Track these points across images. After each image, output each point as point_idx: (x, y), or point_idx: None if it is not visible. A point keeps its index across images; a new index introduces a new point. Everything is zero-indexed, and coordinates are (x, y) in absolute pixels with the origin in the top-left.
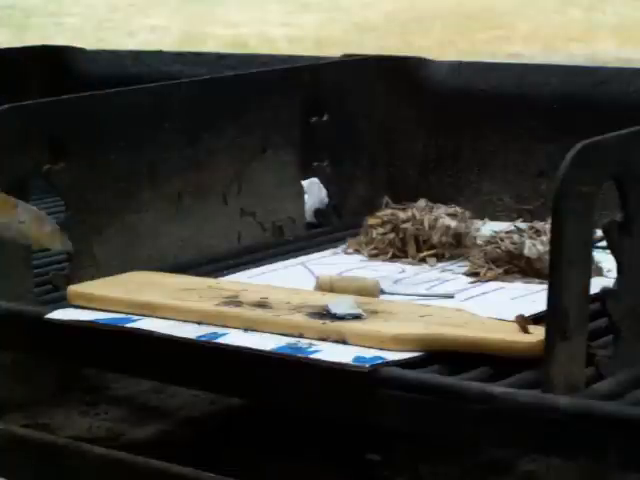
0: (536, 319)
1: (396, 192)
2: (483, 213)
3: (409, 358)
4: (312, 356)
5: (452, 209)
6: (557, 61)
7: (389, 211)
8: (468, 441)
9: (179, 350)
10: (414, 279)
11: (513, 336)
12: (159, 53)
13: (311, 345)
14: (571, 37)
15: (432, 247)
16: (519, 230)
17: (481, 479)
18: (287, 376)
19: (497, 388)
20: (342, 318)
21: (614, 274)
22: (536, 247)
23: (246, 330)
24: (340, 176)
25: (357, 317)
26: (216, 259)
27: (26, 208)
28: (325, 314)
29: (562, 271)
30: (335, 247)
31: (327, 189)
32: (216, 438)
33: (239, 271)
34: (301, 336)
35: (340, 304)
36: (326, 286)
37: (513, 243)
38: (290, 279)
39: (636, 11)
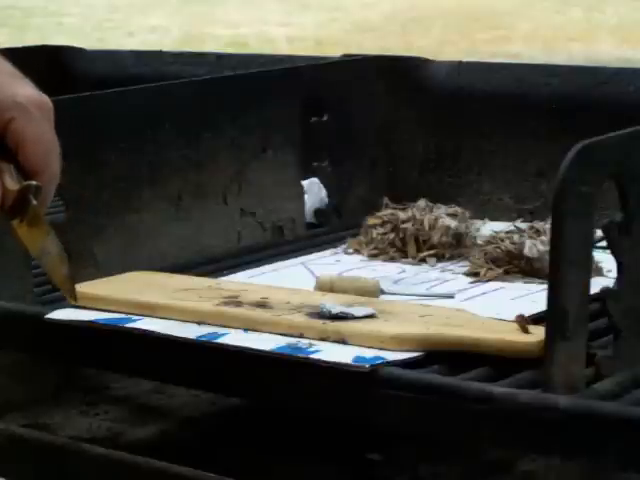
0: (536, 319)
1: (396, 192)
2: (483, 213)
3: (409, 358)
4: (312, 356)
5: (452, 209)
6: (557, 61)
7: (389, 211)
8: (468, 441)
9: (179, 350)
10: (414, 279)
11: (513, 336)
12: (159, 53)
13: (311, 345)
14: (571, 37)
15: (432, 247)
16: (519, 230)
17: (481, 479)
18: (287, 376)
19: (497, 388)
20: (345, 317)
21: (614, 274)
22: (536, 247)
23: (246, 330)
24: (340, 176)
25: (371, 316)
26: (216, 259)
27: (55, 241)
28: (326, 314)
29: (562, 271)
30: (335, 247)
31: (327, 189)
32: (216, 438)
33: (239, 271)
34: (301, 336)
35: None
36: (326, 286)
37: (513, 243)
38: (290, 279)
39: (636, 11)
